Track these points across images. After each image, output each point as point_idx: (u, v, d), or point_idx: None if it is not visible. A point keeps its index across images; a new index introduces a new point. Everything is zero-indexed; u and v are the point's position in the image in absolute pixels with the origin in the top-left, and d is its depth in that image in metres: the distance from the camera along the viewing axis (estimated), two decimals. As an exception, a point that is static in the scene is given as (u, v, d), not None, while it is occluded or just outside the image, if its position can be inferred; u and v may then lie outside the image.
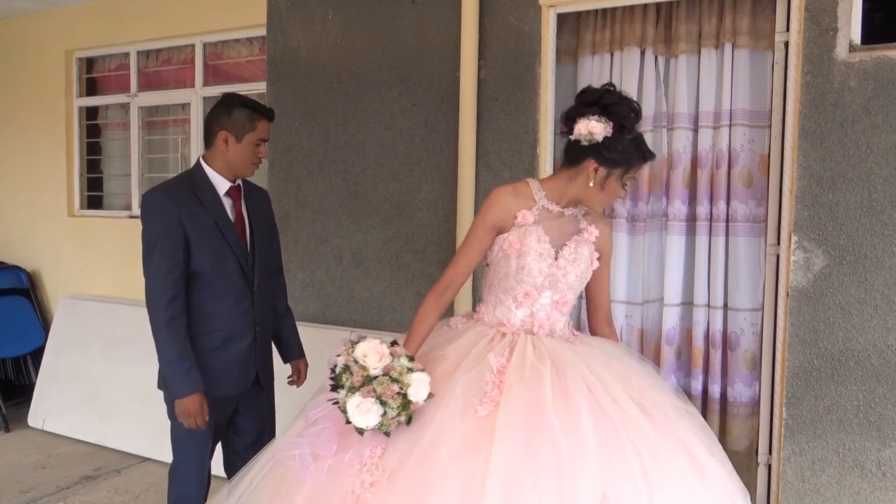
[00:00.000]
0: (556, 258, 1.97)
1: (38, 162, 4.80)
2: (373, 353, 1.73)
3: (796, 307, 2.58)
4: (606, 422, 1.71)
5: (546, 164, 3.05)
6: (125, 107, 4.58)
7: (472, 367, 1.83)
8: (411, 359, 1.77)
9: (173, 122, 4.43)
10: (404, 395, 1.68)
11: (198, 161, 2.39)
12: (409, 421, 1.71)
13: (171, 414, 2.34)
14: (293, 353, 2.68)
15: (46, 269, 4.83)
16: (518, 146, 3.08)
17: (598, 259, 2.06)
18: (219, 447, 2.57)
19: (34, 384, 4.70)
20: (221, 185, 2.36)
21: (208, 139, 2.35)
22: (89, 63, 4.71)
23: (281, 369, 2.66)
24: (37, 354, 4.71)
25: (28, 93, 4.80)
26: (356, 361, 1.72)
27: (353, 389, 1.69)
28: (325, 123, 3.56)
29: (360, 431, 1.70)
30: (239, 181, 2.43)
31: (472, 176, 3.13)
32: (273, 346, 2.63)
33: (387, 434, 1.72)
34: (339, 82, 3.53)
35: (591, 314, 2.21)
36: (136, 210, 4.51)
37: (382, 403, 1.67)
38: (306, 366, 2.70)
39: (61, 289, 4.72)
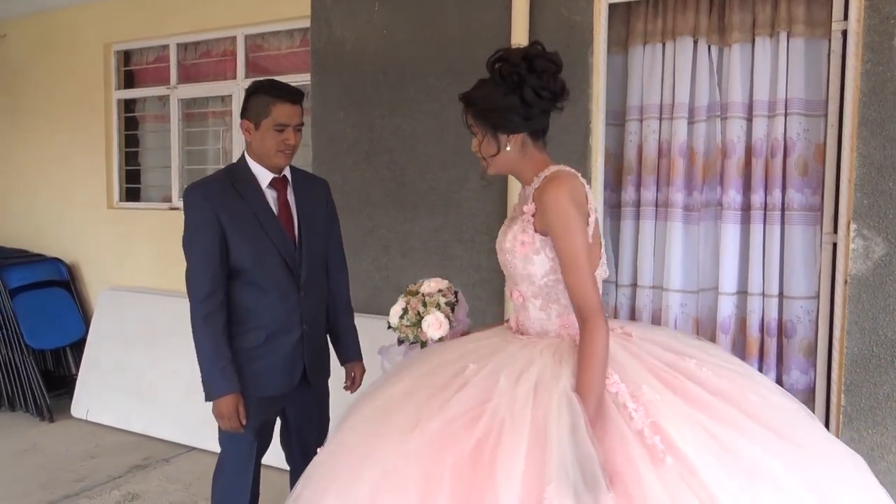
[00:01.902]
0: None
1: (76, 154, 4.88)
2: (433, 281, 2.08)
3: (855, 295, 2.63)
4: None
5: (598, 154, 3.10)
6: (163, 99, 4.65)
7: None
8: (452, 305, 2.04)
9: (212, 114, 4.50)
10: (420, 317, 2.00)
11: (242, 153, 2.36)
12: (420, 344, 2.00)
13: None
14: (349, 355, 2.57)
15: (86, 260, 4.92)
16: (569, 137, 3.13)
17: (543, 238, 1.73)
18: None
19: (74, 375, 4.81)
20: (264, 176, 2.29)
21: None
22: (126, 56, 4.78)
23: (339, 372, 2.55)
24: (76, 346, 4.80)
25: (66, 86, 4.88)
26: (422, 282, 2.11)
27: (403, 295, 2.07)
28: (371, 114, 3.62)
29: (388, 325, 2.08)
30: (286, 172, 2.35)
31: (523, 166, 3.18)
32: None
33: (399, 342, 2.06)
34: (384, 73, 3.58)
35: None
36: (177, 202, 4.59)
37: (404, 311, 2.02)
38: (362, 371, 2.56)
39: (101, 280, 4.81)
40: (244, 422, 2.22)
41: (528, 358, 1.69)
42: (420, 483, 1.49)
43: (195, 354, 2.22)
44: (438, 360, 1.85)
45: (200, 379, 2.22)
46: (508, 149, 1.78)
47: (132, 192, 4.87)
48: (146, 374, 4.28)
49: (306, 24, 3.92)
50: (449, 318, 2.02)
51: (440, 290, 2.08)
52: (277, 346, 2.29)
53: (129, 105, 4.84)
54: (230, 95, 4.29)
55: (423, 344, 2.03)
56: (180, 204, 4.51)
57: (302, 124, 2.27)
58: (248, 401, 2.25)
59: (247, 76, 4.23)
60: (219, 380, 2.18)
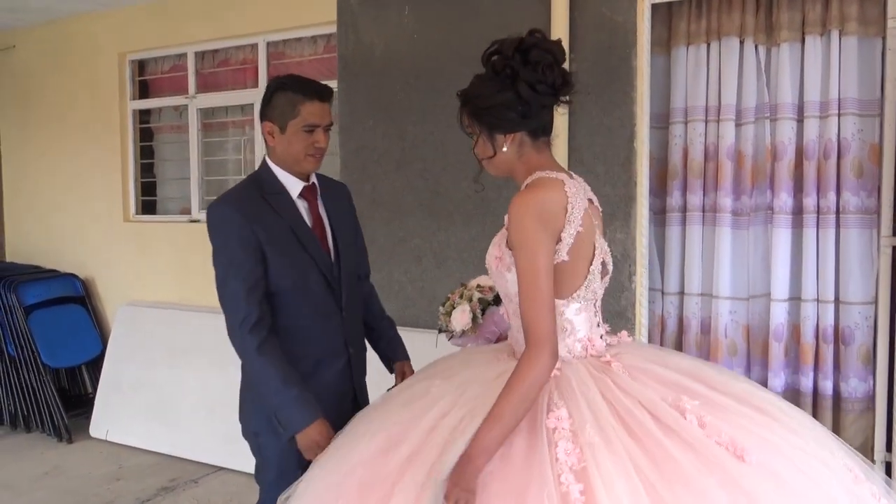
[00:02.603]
0: None
1: (90, 166, 4.79)
2: (483, 278, 2.09)
3: (920, 300, 2.57)
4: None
5: (643, 158, 3.03)
6: (178, 109, 4.57)
7: None
8: (486, 304, 2.04)
9: (232, 123, 4.42)
10: (452, 308, 2.04)
11: (263, 160, 2.11)
12: (445, 330, 2.07)
13: (258, 450, 2.13)
14: (398, 355, 2.34)
15: (101, 275, 4.83)
16: (613, 140, 3.06)
17: (511, 253, 1.60)
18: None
19: (90, 394, 4.72)
20: (293, 185, 2.07)
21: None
22: (140, 65, 4.70)
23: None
24: (92, 364, 4.71)
25: (80, 96, 4.80)
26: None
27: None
28: (402, 121, 3.54)
29: None
30: (314, 179, 2.13)
31: (564, 172, 3.11)
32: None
33: (439, 331, 2.12)
34: (416, 78, 3.52)
35: None
36: (197, 214, 4.50)
37: (446, 300, 2.08)
38: (412, 371, 2.31)
39: (117, 296, 4.72)
40: None
41: (477, 385, 1.62)
42: None
43: (259, 391, 1.98)
44: (431, 371, 1.82)
45: (271, 415, 1.96)
46: (505, 149, 1.66)
47: (147, 204, 4.78)
48: (168, 393, 4.20)
49: (330, 29, 3.86)
50: (475, 314, 2.01)
51: (478, 286, 2.07)
52: (325, 375, 2.08)
53: (142, 116, 4.75)
54: (251, 104, 4.21)
55: (452, 334, 2.07)
56: (201, 216, 4.45)
57: (332, 124, 2.06)
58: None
59: (268, 84, 4.16)
60: (298, 410, 1.92)
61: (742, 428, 1.49)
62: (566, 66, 1.66)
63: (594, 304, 1.70)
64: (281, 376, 1.92)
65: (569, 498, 1.34)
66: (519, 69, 1.59)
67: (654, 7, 3.04)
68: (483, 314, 2.03)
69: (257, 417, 2.06)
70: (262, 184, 2.06)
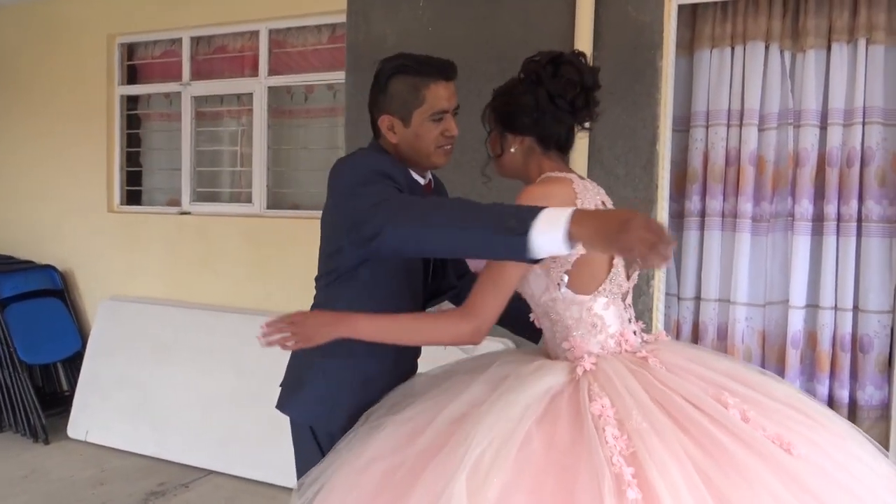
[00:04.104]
0: None
1: (74, 153, 4.60)
2: None
3: (943, 309, 2.60)
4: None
5: (665, 161, 3.02)
6: (169, 97, 4.42)
7: None
8: None
9: (227, 113, 4.29)
10: None
11: (377, 146, 1.80)
12: None
13: (296, 439, 1.85)
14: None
15: (81, 268, 4.64)
16: (635, 142, 3.05)
17: None
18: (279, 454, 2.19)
19: (66, 392, 4.54)
20: (416, 181, 1.82)
21: (373, 128, 1.80)
22: (130, 49, 4.53)
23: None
24: (69, 361, 4.52)
25: (65, 80, 4.60)
26: None
27: None
28: (413, 116, 3.47)
29: None
30: (430, 176, 1.89)
31: (584, 173, 3.09)
32: None
33: None
34: (429, 73, 3.45)
35: None
36: (188, 206, 4.35)
37: None
38: None
39: (98, 290, 4.54)
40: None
41: (513, 378, 1.57)
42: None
43: (453, 240, 1.46)
44: (458, 367, 1.81)
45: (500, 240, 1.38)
46: (513, 150, 1.73)
47: (131, 195, 4.60)
48: (153, 392, 4.05)
49: (337, 19, 3.78)
50: None
51: None
52: (401, 366, 1.84)
53: (129, 102, 4.58)
54: (250, 94, 4.09)
55: None
56: (192, 208, 4.30)
57: (458, 106, 1.79)
58: None
59: (269, 73, 4.05)
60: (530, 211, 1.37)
61: (785, 426, 1.48)
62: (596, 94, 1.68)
63: (623, 300, 1.70)
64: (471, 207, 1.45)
65: (622, 479, 1.31)
66: (545, 78, 1.65)
67: (680, 8, 3.04)
68: None
69: (334, 413, 1.74)
70: (395, 165, 1.75)
